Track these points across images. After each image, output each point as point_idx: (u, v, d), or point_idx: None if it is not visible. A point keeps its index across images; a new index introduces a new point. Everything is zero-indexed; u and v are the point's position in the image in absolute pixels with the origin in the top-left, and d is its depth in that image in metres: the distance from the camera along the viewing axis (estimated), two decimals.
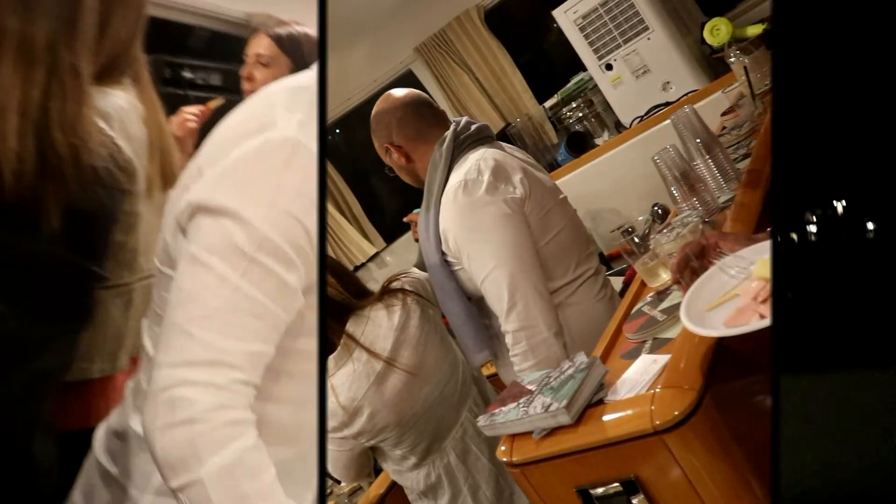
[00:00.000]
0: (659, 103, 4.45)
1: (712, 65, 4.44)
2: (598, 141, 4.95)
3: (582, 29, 4.56)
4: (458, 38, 5.37)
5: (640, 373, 1.74)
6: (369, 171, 6.06)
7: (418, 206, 2.97)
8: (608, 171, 4.54)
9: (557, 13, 4.62)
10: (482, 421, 1.90)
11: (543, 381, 1.85)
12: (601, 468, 1.68)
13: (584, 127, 5.05)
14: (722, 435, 1.59)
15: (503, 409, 1.86)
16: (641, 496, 1.62)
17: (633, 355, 1.86)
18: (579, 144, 4.93)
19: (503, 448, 1.83)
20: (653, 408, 1.59)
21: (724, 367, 1.67)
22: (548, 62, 5.74)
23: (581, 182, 4.57)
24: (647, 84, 4.50)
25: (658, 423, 1.56)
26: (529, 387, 1.88)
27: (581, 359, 1.84)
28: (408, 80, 5.59)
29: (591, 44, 4.57)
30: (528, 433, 1.76)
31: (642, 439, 1.60)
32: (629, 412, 1.65)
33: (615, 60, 4.54)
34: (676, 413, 1.54)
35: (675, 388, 1.60)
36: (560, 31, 4.77)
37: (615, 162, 4.54)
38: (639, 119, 4.55)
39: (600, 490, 1.67)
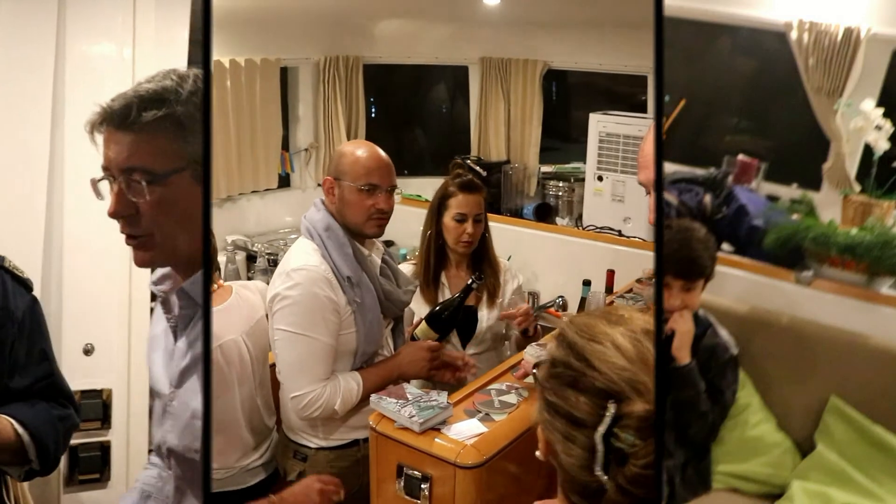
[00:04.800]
0: (614, 228, 5.17)
1: None
2: (559, 220, 5.67)
3: (600, 140, 5.26)
4: (516, 73, 6.01)
5: (468, 428, 2.61)
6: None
7: None
8: (549, 246, 5.25)
9: (594, 116, 5.33)
10: (373, 397, 2.76)
11: (417, 398, 2.70)
12: (418, 461, 2.57)
13: (556, 203, 5.76)
14: (481, 487, 2.49)
15: (388, 398, 2.73)
16: (427, 485, 2.54)
17: (471, 415, 2.71)
18: (544, 214, 5.68)
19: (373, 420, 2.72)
20: (461, 451, 2.47)
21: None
22: (565, 134, 6.46)
23: (527, 239, 5.25)
24: (616, 208, 5.20)
25: (458, 461, 2.45)
26: (409, 395, 2.77)
27: (443, 398, 2.71)
28: (457, 74, 6.36)
29: (599, 154, 5.27)
30: None
31: (445, 462, 2.49)
32: (449, 445, 2.52)
33: (607, 178, 5.24)
34: (469, 462, 2.44)
35: (476, 449, 2.50)
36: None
37: (556, 244, 5.26)
38: (593, 228, 5.28)
39: (411, 471, 2.58)
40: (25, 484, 2.59)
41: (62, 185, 2.26)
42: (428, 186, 6.18)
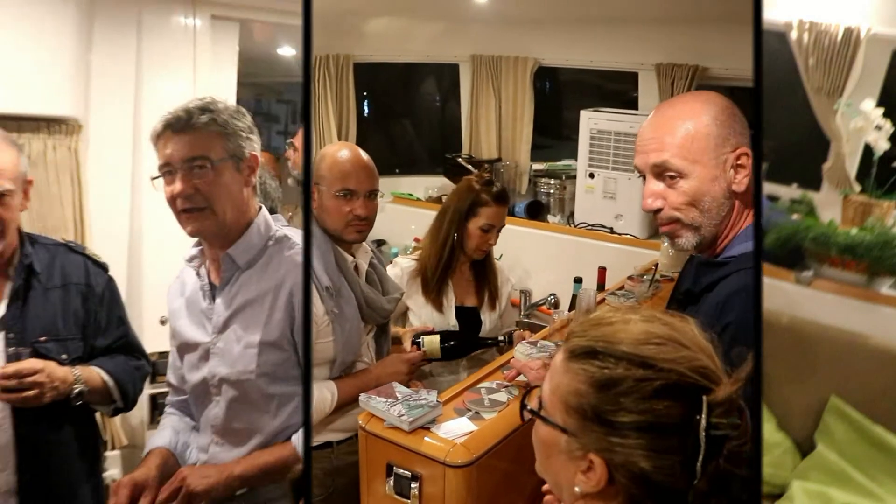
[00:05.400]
0: (606, 226, 5.18)
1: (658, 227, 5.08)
2: (550, 218, 5.68)
3: (591, 137, 5.24)
4: (507, 70, 6.02)
5: (458, 426, 2.57)
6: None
7: None
8: (540, 243, 5.25)
9: (585, 113, 5.31)
10: (362, 397, 2.71)
11: (406, 396, 2.68)
12: (407, 460, 2.53)
13: (548, 201, 5.76)
14: (471, 485, 2.45)
15: (377, 397, 2.69)
16: (417, 484, 2.50)
17: (461, 413, 2.67)
18: (535, 211, 5.67)
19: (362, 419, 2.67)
20: (450, 450, 2.43)
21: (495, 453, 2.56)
22: (556, 131, 6.44)
23: (518, 237, 5.09)
24: (607, 206, 5.19)
25: (447, 460, 2.41)
26: (398, 394, 2.73)
27: (433, 396, 2.67)
28: (448, 72, 6.35)
29: (590, 151, 5.25)
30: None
31: (435, 461, 2.45)
32: (439, 444, 2.48)
33: (598, 175, 5.22)
34: (459, 461, 2.40)
35: (465, 447, 2.45)
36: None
37: (548, 242, 5.26)
38: (585, 225, 5.28)
39: (400, 470, 2.54)
40: (118, 424, 3.51)
41: (140, 190, 2.95)
42: (419, 185, 6.19)
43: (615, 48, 5.48)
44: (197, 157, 2.47)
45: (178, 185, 2.47)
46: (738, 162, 2.14)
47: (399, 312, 3.64)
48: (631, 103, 5.54)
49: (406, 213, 5.69)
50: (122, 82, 3.52)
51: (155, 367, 3.19)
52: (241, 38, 3.93)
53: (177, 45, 3.67)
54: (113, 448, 3.43)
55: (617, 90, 5.81)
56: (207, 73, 3.71)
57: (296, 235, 2.68)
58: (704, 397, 1.44)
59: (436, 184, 6.19)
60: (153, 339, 3.08)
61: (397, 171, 6.31)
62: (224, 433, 2.63)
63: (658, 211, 2.19)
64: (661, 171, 2.16)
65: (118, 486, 2.49)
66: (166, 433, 2.75)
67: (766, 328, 3.01)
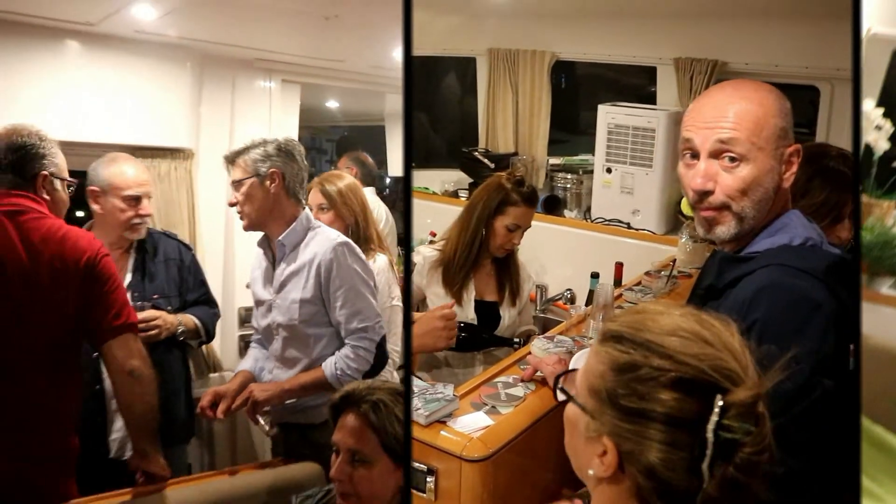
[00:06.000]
0: (623, 221, 5.21)
1: (676, 222, 5.11)
2: (567, 213, 5.72)
3: (609, 132, 5.25)
4: (524, 64, 6.06)
5: (474, 421, 2.62)
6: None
7: None
8: (557, 238, 5.29)
9: (602, 108, 5.33)
10: None
11: (423, 390, 2.72)
12: (423, 454, 2.56)
13: (565, 196, 5.80)
14: (487, 480, 2.49)
15: None
16: (433, 478, 2.55)
17: (477, 408, 2.72)
18: (552, 206, 5.70)
19: None
20: (467, 444, 2.48)
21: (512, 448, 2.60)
22: (573, 125, 6.49)
23: (535, 232, 5.14)
24: (624, 201, 5.21)
25: (464, 454, 2.46)
26: (414, 387, 2.72)
27: (449, 390, 2.72)
28: (465, 65, 6.40)
29: (608, 146, 5.26)
30: None
31: (451, 455, 2.49)
32: (455, 438, 2.53)
33: (616, 170, 5.23)
34: (475, 455, 2.45)
35: (482, 442, 2.50)
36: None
37: (565, 236, 5.32)
38: (602, 220, 5.31)
39: (417, 464, 2.57)
40: (219, 355, 4.76)
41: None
42: (435, 179, 6.23)
43: (633, 42, 5.50)
44: (236, 179, 3.49)
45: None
46: (790, 158, 2.15)
47: (417, 300, 3.73)
48: (649, 98, 5.57)
49: (422, 207, 5.71)
50: (222, 125, 4.92)
51: (239, 317, 4.87)
52: (301, 96, 5.30)
53: (258, 99, 5.10)
54: (213, 371, 4.76)
55: (635, 85, 5.86)
56: (279, 119, 5.13)
57: (328, 228, 3.66)
58: (718, 396, 1.43)
59: (452, 178, 6.25)
60: (242, 299, 4.52)
61: (413, 164, 6.28)
62: (281, 360, 3.61)
63: (706, 194, 2.16)
64: (722, 152, 2.12)
65: (205, 393, 3.55)
66: (249, 360, 3.80)
67: None
